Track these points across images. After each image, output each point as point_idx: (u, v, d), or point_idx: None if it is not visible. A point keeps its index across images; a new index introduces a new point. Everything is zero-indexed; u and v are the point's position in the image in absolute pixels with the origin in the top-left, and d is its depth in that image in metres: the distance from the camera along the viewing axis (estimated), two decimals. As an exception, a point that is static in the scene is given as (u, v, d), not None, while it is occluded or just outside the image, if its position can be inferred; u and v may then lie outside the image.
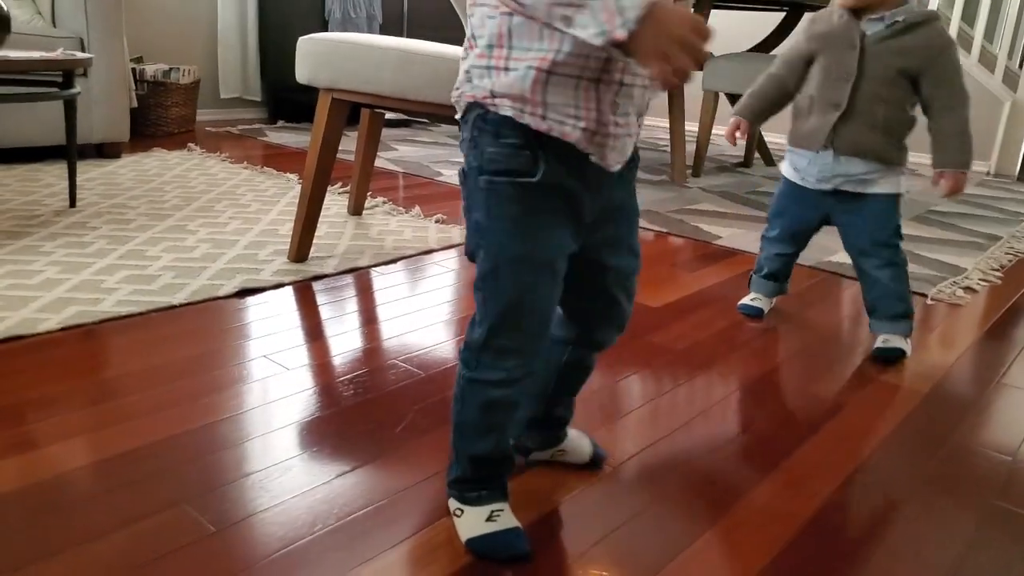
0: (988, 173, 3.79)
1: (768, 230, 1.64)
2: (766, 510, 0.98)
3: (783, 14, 3.39)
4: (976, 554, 0.92)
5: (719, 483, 1.03)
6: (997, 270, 2.07)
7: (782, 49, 3.28)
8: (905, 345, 1.47)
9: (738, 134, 1.55)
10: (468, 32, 0.77)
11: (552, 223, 0.77)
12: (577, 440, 1.04)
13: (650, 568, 0.86)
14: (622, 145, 0.78)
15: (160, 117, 3.27)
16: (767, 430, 1.18)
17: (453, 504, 0.91)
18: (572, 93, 0.73)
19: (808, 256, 2.10)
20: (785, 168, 1.57)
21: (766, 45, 3.39)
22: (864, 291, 1.52)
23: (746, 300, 1.67)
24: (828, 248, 2.20)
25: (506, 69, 0.73)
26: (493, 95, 0.74)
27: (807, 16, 1.51)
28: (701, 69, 0.63)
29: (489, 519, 0.87)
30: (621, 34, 0.62)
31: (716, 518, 0.95)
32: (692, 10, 2.86)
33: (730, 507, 0.98)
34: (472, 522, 0.87)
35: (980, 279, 1.98)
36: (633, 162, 0.84)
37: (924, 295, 1.81)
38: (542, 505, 0.96)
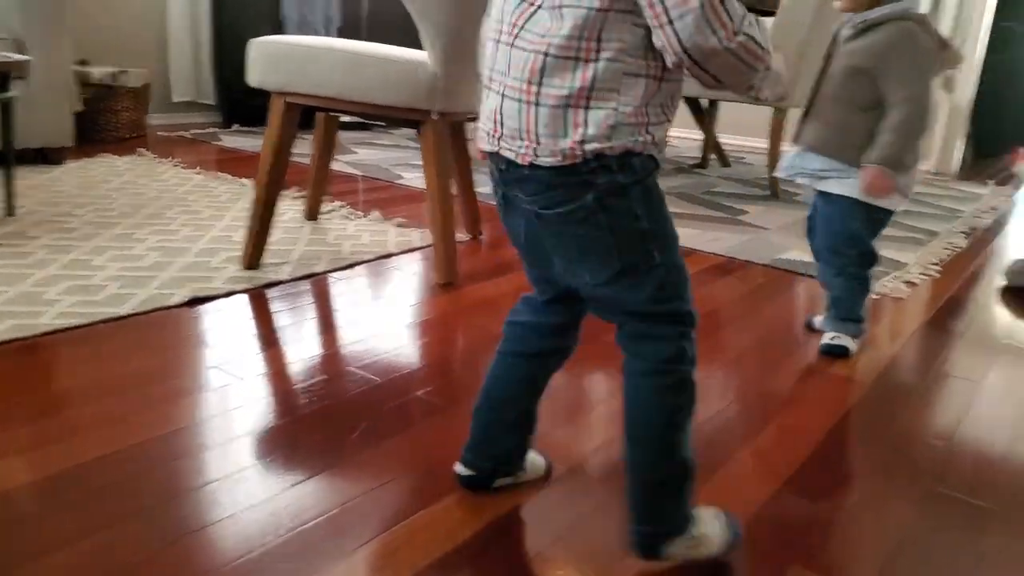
0: (928, 172, 3.92)
1: None
2: (719, 501, 0.99)
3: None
4: (915, 537, 0.95)
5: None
6: (936, 264, 2.14)
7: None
8: (851, 344, 1.50)
9: None
10: (586, 83, 0.74)
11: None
12: (532, 458, 1.02)
13: (607, 562, 0.86)
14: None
15: (109, 121, 3.19)
16: (721, 424, 1.20)
17: (683, 546, 0.84)
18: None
19: (762, 254, 2.14)
20: None
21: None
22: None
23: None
24: (780, 245, 2.24)
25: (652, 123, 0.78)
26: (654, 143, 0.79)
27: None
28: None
29: (716, 517, 0.88)
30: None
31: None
32: None
33: (685, 504, 0.99)
34: (716, 532, 0.87)
35: (920, 273, 2.05)
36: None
37: (875, 294, 1.86)
38: (500, 506, 0.96)
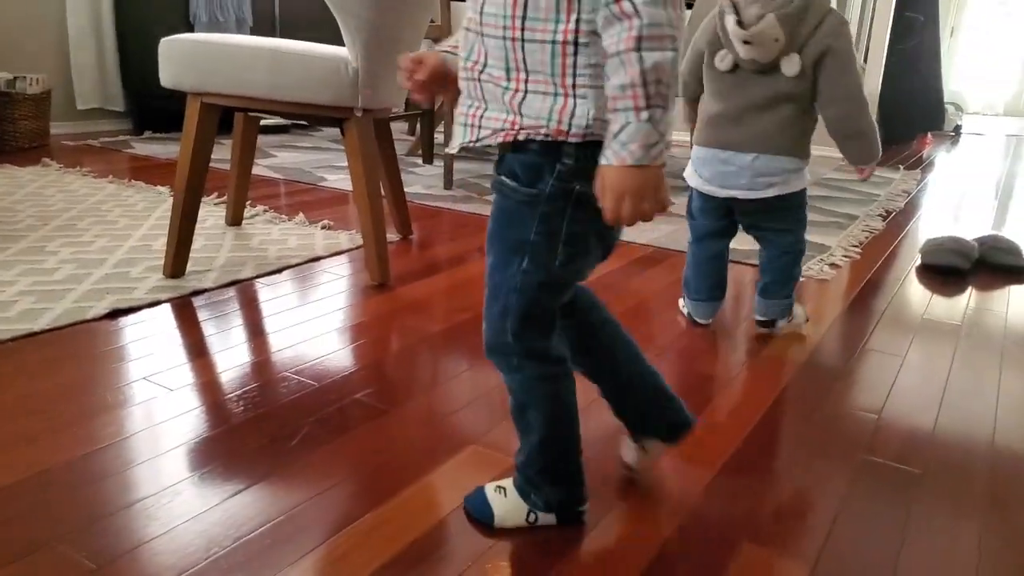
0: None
1: None
2: (659, 486, 1.01)
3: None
4: (851, 505, 0.99)
5: (612, 468, 1.06)
6: (856, 246, 2.24)
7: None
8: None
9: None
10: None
11: None
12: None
13: (557, 554, 0.87)
14: (460, 130, 0.81)
15: (6, 131, 3.01)
16: (661, 410, 1.22)
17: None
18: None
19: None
20: None
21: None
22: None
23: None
24: (706, 234, 2.30)
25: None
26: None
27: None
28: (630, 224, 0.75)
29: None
30: (628, 161, 0.70)
31: (612, 502, 0.98)
32: None
33: (625, 492, 1.01)
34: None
35: (843, 255, 2.14)
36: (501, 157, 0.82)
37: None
38: (445, 506, 0.95)
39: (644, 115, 0.69)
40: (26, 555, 0.81)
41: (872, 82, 4.05)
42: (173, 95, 1.63)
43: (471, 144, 0.81)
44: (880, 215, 2.67)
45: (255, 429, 1.10)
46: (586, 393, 0.96)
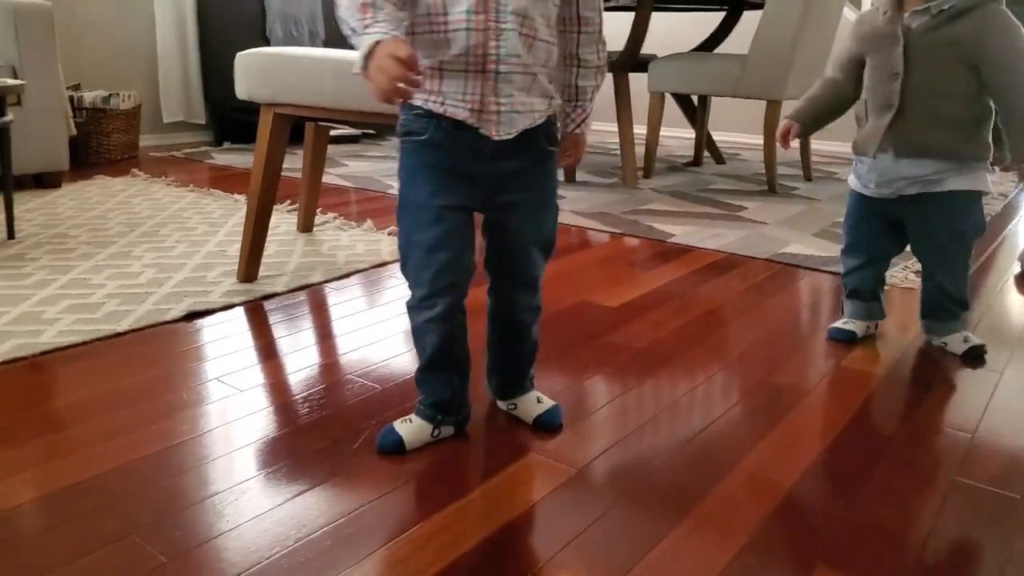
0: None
1: (843, 243, 1.55)
2: (733, 501, 0.97)
3: (723, 14, 3.45)
4: (943, 531, 0.93)
5: (685, 478, 1.02)
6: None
7: (726, 48, 3.35)
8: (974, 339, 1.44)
9: (790, 138, 1.49)
10: None
11: (443, 173, 0.99)
12: (530, 402, 1.15)
13: (621, 568, 0.84)
14: (508, 120, 0.97)
15: (101, 144, 3.18)
16: (731, 423, 1.18)
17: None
18: (461, 82, 0.95)
19: (763, 249, 2.13)
20: (850, 178, 1.50)
21: (709, 44, 3.45)
22: (924, 299, 1.48)
23: (836, 324, 1.53)
24: (780, 240, 2.23)
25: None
26: None
27: (853, 18, 1.44)
28: (413, 85, 0.85)
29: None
30: (358, 72, 0.87)
31: (684, 512, 0.95)
32: (634, 13, 2.89)
33: (698, 501, 0.97)
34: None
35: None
36: (533, 136, 1.00)
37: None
38: (510, 510, 0.94)
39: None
40: (104, 546, 0.85)
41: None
42: (250, 107, 1.69)
43: (528, 128, 1.01)
44: (971, 220, 2.52)
45: (320, 430, 1.12)
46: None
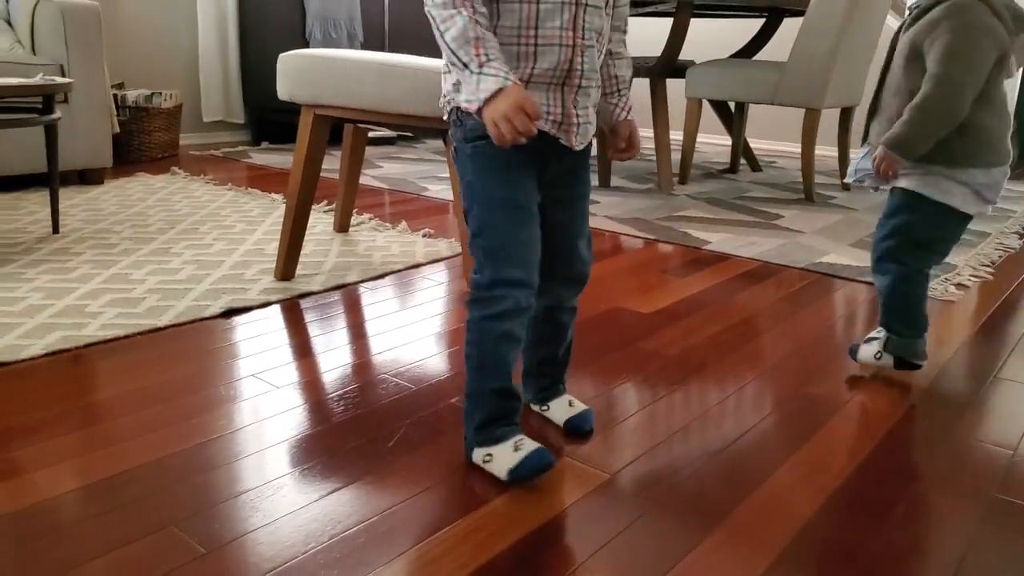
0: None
1: None
2: (765, 513, 0.96)
3: (762, 20, 3.42)
4: (980, 548, 0.91)
5: (717, 488, 1.02)
6: (988, 266, 2.08)
7: (765, 55, 3.32)
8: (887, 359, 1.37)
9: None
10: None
11: (522, 173, 1.00)
12: (562, 405, 1.16)
13: (652, 572, 0.84)
14: (584, 130, 1.01)
15: (143, 142, 3.25)
16: (764, 433, 1.17)
17: (480, 454, 1.02)
18: (544, 95, 0.97)
19: (799, 258, 2.10)
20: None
21: (747, 51, 3.42)
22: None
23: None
24: (817, 249, 2.20)
25: None
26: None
27: (896, 25, 1.42)
28: (529, 134, 0.90)
29: (516, 449, 1.00)
30: (473, 106, 0.92)
31: (715, 523, 0.94)
32: (673, 19, 2.88)
33: (729, 512, 0.96)
34: (505, 458, 1.00)
35: (971, 275, 1.99)
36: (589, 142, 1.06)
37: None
38: (541, 514, 0.94)
39: None
40: (143, 536, 0.87)
41: (1009, 91, 3.76)
42: (288, 108, 1.71)
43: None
44: (1016, 232, 2.47)
45: (354, 429, 1.13)
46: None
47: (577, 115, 0.99)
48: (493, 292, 0.98)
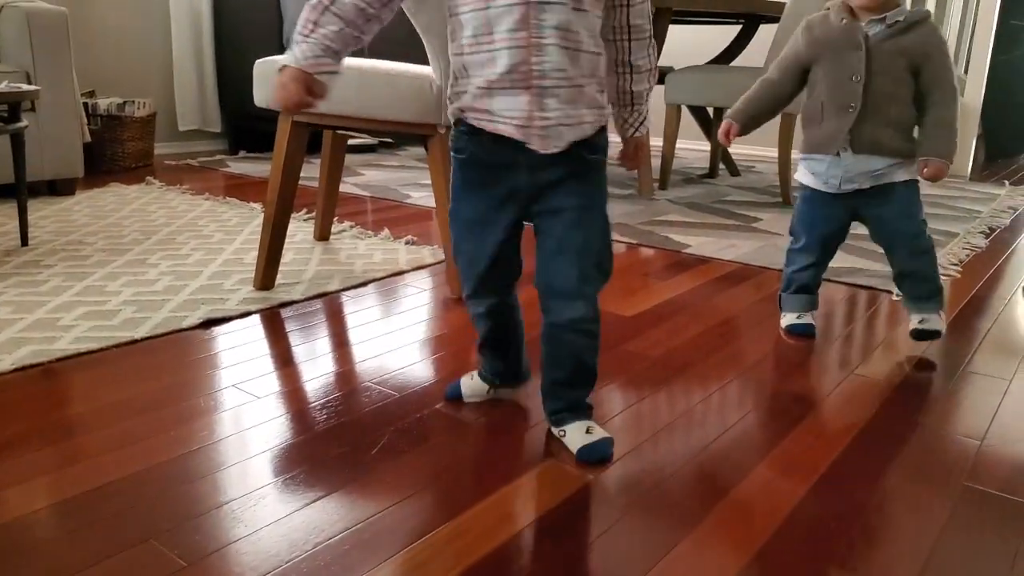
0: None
1: (793, 243, 1.59)
2: (746, 509, 0.97)
3: (739, 27, 3.46)
4: (951, 534, 0.92)
5: (699, 486, 1.02)
6: (957, 265, 2.11)
7: (742, 61, 3.35)
8: (940, 325, 1.51)
9: (731, 136, 1.54)
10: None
11: (488, 185, 1.04)
12: (578, 431, 1.09)
13: (636, 573, 0.84)
14: (556, 133, 0.98)
15: (116, 152, 3.21)
16: (745, 431, 1.17)
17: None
18: (509, 98, 0.97)
19: (777, 260, 2.12)
20: (803, 177, 1.53)
21: (724, 57, 3.46)
22: (896, 276, 1.55)
23: (792, 320, 1.60)
24: (794, 251, 2.22)
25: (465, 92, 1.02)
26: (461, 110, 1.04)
27: (803, 22, 1.49)
28: (307, 105, 1.04)
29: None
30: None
31: (698, 519, 0.94)
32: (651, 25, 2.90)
33: (711, 508, 0.96)
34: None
35: (942, 274, 2.01)
36: (582, 147, 1.02)
37: (890, 292, 1.83)
38: (526, 516, 0.93)
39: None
40: (123, 550, 0.85)
41: (974, 94, 3.84)
42: (266, 116, 1.70)
43: (577, 141, 1.03)
44: (983, 232, 2.51)
45: (337, 437, 1.12)
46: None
47: (545, 117, 0.96)
48: (469, 299, 1.13)
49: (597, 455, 1.06)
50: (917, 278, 1.52)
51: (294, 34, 1.01)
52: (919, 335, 1.51)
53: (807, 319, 1.61)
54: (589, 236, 1.04)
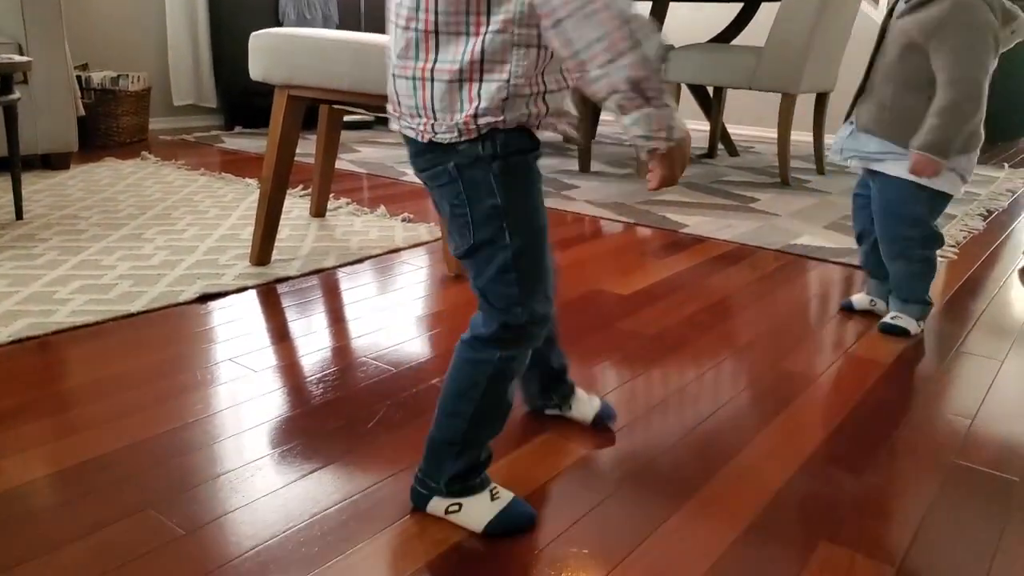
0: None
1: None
2: (739, 483, 0.98)
3: (740, 5, 3.43)
4: (940, 509, 0.93)
5: (693, 461, 1.03)
6: (953, 247, 2.12)
7: (743, 40, 3.33)
8: (912, 326, 1.48)
9: None
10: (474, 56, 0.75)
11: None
12: (583, 403, 1.10)
13: (628, 545, 0.85)
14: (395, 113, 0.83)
15: (110, 126, 3.18)
16: (739, 408, 1.18)
17: (444, 504, 0.87)
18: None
19: (774, 240, 2.13)
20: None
21: (725, 36, 3.43)
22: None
23: (864, 306, 1.59)
24: (793, 231, 2.22)
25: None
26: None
27: (870, 12, 1.48)
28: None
29: (493, 499, 0.88)
30: (662, 146, 0.71)
31: (690, 494, 0.95)
32: (652, 4, 2.88)
33: (704, 483, 0.98)
34: (480, 509, 0.86)
35: (939, 255, 2.02)
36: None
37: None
38: (520, 489, 0.94)
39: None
40: (121, 519, 0.85)
41: (974, 75, 3.81)
42: (262, 91, 1.68)
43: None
44: (980, 215, 2.51)
45: (334, 411, 1.12)
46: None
47: (396, 95, 0.80)
48: (526, 331, 0.83)
49: (612, 414, 1.11)
50: (894, 279, 1.50)
51: (643, 81, 0.68)
52: (885, 328, 1.49)
53: (878, 306, 1.57)
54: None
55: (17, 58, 2.07)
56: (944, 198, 1.42)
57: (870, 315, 1.59)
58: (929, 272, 1.48)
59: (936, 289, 1.79)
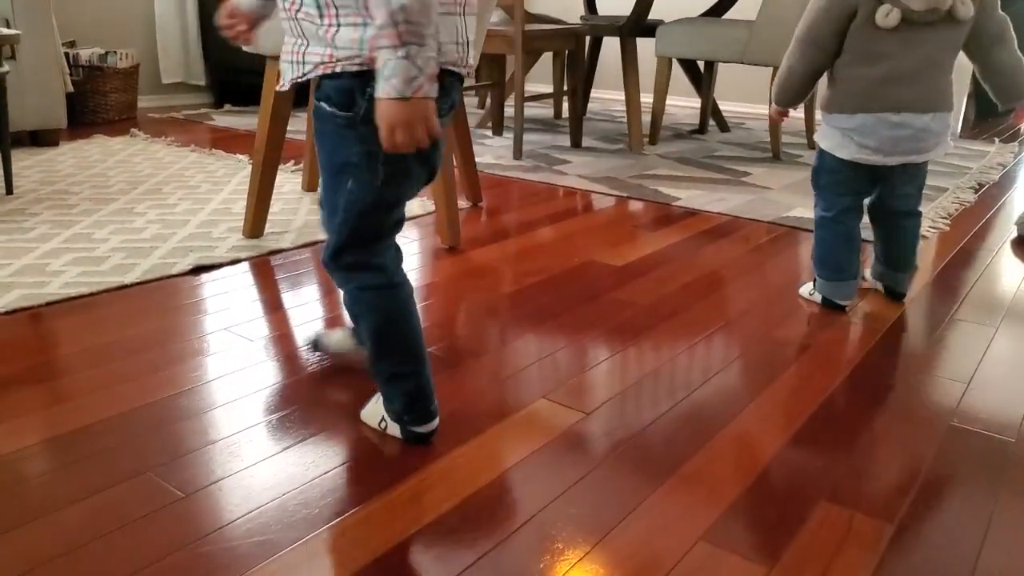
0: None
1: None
2: (734, 449, 0.99)
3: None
4: (936, 470, 0.95)
5: (687, 427, 1.04)
6: (946, 218, 2.13)
7: (734, 13, 3.31)
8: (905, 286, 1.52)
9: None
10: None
11: None
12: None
13: (620, 512, 0.86)
14: (282, 69, 0.88)
15: (99, 103, 3.15)
16: (733, 375, 1.19)
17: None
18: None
19: (767, 212, 2.13)
20: None
21: (716, 10, 3.41)
22: None
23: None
24: (785, 204, 2.23)
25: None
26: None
27: None
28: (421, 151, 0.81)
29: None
30: (392, 94, 0.75)
31: (683, 461, 0.96)
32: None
33: (697, 449, 0.99)
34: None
35: (930, 227, 2.03)
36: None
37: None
38: (511, 457, 0.95)
39: (400, 52, 0.74)
40: (120, 482, 0.86)
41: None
42: (252, 69, 1.67)
43: (298, 80, 0.86)
44: (972, 188, 2.53)
45: (330, 378, 1.13)
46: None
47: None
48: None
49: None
50: (911, 245, 1.51)
51: (411, 29, 0.74)
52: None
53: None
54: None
55: (4, 31, 2.04)
56: (844, 164, 1.44)
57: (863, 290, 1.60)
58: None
59: (928, 259, 1.80)
